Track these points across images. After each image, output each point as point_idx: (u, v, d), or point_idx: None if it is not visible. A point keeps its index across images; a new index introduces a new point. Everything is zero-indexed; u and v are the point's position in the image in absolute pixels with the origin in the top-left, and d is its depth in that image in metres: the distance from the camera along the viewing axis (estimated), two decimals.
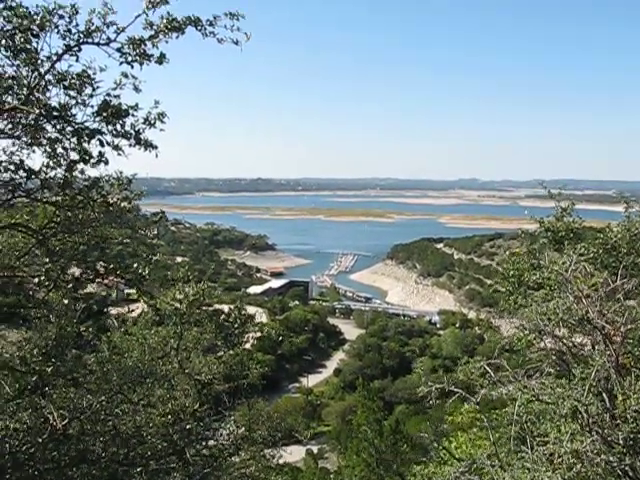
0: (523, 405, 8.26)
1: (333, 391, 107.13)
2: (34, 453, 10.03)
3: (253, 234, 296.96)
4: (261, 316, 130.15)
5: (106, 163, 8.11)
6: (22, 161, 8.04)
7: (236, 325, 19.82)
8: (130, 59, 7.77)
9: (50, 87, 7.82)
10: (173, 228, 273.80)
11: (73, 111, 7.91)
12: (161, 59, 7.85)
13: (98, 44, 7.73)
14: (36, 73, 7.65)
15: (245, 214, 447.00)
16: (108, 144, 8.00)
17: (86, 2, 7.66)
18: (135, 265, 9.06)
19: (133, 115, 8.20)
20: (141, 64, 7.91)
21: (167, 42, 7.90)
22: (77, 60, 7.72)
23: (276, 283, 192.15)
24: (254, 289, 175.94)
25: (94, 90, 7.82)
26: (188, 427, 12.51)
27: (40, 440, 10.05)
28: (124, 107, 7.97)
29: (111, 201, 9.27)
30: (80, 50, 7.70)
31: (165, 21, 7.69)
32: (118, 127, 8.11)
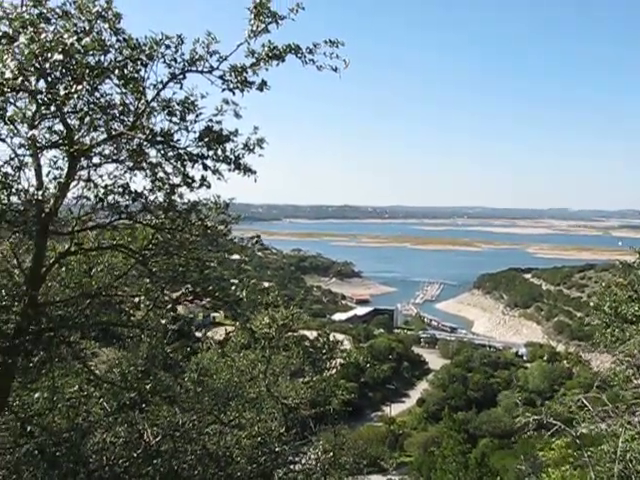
0: (627, 442, 7.88)
1: (416, 421, 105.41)
2: (129, 467, 10.31)
3: (339, 261, 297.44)
4: (350, 343, 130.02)
5: (208, 187, 8.36)
6: (128, 184, 8.37)
7: (324, 351, 19.89)
8: (232, 86, 8.02)
9: (155, 113, 8.15)
10: (260, 254, 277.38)
11: (176, 136, 8.20)
12: (262, 86, 8.07)
13: (202, 72, 8.03)
14: (142, 100, 7.98)
15: (331, 241, 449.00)
16: (210, 168, 8.25)
17: (190, 32, 7.96)
18: (233, 288, 9.24)
19: (233, 140, 8.44)
20: (242, 91, 8.14)
21: (267, 69, 8.12)
22: (181, 87, 8.03)
23: (361, 310, 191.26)
24: (339, 316, 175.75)
25: (197, 116, 8.10)
26: (277, 450, 12.58)
27: (135, 455, 10.33)
28: (225, 133, 8.22)
29: (209, 224, 9.52)
30: (184, 78, 8.00)
31: (267, 49, 7.91)
32: (219, 152, 8.36)
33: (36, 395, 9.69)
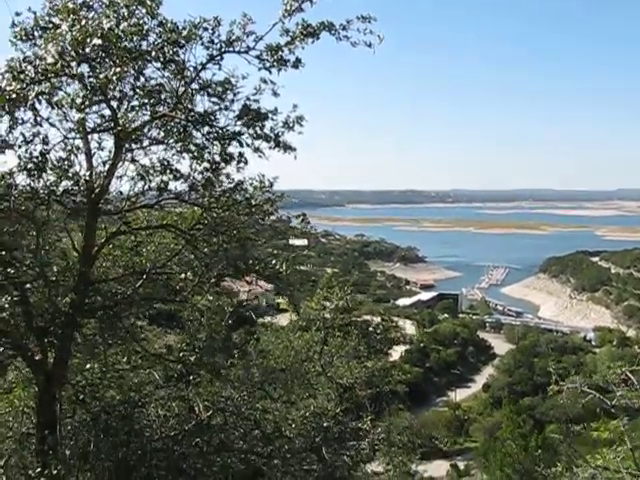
0: None
1: (481, 407, 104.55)
2: (181, 440, 10.70)
3: (403, 246, 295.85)
4: (414, 328, 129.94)
5: (245, 163, 8.59)
6: (169, 163, 8.67)
7: (379, 331, 20.03)
8: (268, 65, 8.21)
9: (196, 95, 8.41)
10: (323, 240, 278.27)
11: (217, 116, 8.46)
12: (297, 63, 8.24)
13: (239, 52, 8.25)
14: (183, 82, 8.25)
15: (395, 226, 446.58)
16: (248, 145, 8.47)
17: (227, 14, 8.19)
18: (273, 262, 9.47)
19: (272, 119, 8.64)
20: (279, 70, 8.33)
21: (303, 48, 8.27)
22: (220, 68, 8.26)
23: (425, 295, 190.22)
24: (403, 301, 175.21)
25: (235, 96, 8.33)
26: (325, 425, 12.78)
27: (186, 428, 10.71)
28: (263, 111, 8.42)
29: (254, 202, 9.75)
30: (222, 59, 8.23)
31: (300, 27, 8.07)
32: (258, 130, 8.58)
33: (87, 366, 10.17)
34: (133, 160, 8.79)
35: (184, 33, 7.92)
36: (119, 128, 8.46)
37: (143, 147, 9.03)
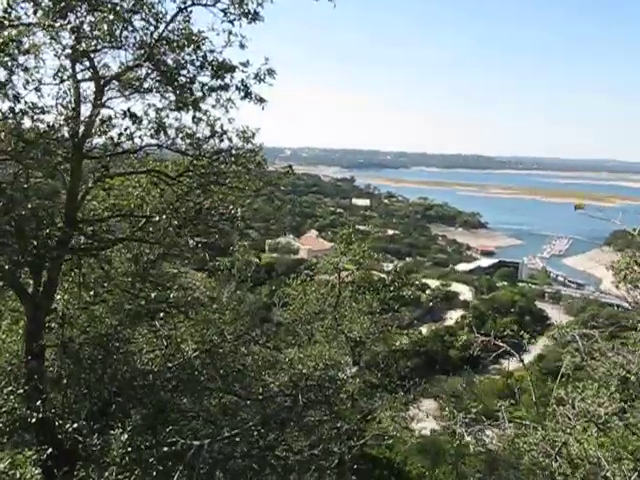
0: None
1: (534, 377, 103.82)
2: (165, 377, 11.28)
3: (466, 211, 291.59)
4: (471, 293, 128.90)
5: (199, 110, 8.95)
6: (129, 109, 9.07)
7: (392, 288, 20.31)
8: (232, 18, 8.50)
9: (165, 47, 8.77)
10: (386, 201, 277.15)
11: (186, 68, 8.82)
12: (255, 16, 8.50)
13: (205, 5, 8.55)
14: (150, 34, 8.62)
15: (460, 190, 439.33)
16: (207, 92, 8.82)
17: None
18: (230, 207, 9.85)
19: (244, 71, 8.96)
20: (249, 22, 8.61)
21: (272, 2, 8.51)
22: (188, 21, 8.59)
23: (485, 262, 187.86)
24: (462, 266, 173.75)
25: (198, 48, 8.65)
26: (304, 372, 13.14)
27: (170, 365, 11.29)
28: (228, 63, 8.76)
29: (234, 152, 10.12)
30: (190, 12, 8.55)
31: None
32: (227, 81, 8.92)
33: (57, 297, 10.77)
34: (104, 105, 9.21)
35: None
36: (97, 76, 8.89)
37: (125, 95, 9.45)
